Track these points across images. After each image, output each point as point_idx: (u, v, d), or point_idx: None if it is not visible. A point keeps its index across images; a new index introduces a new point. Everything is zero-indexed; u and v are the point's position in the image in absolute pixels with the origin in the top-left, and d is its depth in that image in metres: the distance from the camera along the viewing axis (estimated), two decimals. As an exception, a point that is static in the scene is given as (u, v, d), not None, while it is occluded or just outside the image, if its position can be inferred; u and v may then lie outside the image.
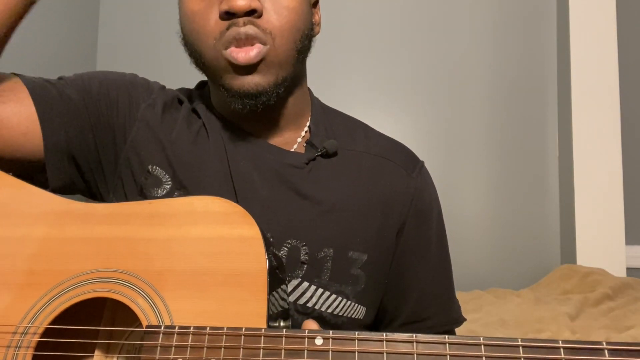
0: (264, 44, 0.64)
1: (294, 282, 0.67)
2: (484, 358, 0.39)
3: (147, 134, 0.71)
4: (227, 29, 0.64)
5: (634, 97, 1.42)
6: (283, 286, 0.60)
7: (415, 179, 0.77)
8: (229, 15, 0.63)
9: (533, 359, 0.37)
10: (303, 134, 0.76)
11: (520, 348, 0.37)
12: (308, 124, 0.77)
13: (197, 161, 0.70)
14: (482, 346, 0.39)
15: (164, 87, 0.78)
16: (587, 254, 1.32)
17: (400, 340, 0.43)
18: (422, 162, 0.81)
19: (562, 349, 0.36)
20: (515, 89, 1.50)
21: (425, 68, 1.53)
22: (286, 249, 0.67)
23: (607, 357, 0.35)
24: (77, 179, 0.71)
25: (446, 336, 0.42)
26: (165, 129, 0.71)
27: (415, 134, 1.51)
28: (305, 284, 0.68)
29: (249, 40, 0.64)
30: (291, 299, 0.67)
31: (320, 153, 0.73)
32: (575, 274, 1.28)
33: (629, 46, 1.42)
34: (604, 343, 0.35)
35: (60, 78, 0.73)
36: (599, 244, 1.32)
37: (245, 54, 0.63)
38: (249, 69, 0.65)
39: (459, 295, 0.89)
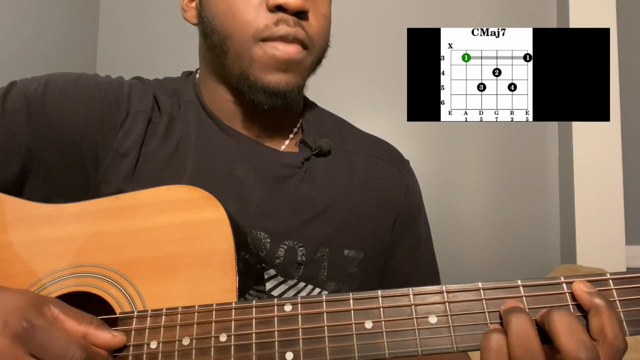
0: (305, 48, 0.65)
1: (290, 282, 0.67)
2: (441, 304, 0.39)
3: (120, 163, 0.66)
4: (275, 24, 0.62)
5: (634, 98, 1.41)
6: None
7: (405, 177, 0.78)
8: (279, 10, 0.62)
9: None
10: (293, 133, 0.76)
11: (482, 291, 0.38)
12: (299, 123, 0.77)
13: (174, 173, 0.66)
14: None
15: (139, 83, 0.72)
16: (587, 254, 1.31)
17: (366, 297, 0.44)
18: (408, 161, 0.81)
19: (521, 287, 0.36)
20: (516, 90, 1.50)
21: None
22: (283, 249, 0.66)
23: (566, 290, 0.35)
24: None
25: (410, 289, 0.42)
26: (143, 147, 0.67)
27: (414, 134, 1.51)
28: (302, 284, 0.67)
29: (295, 42, 0.63)
30: None
31: (315, 152, 0.72)
32: (575, 274, 1.26)
33: (629, 46, 1.42)
34: (562, 278, 0.35)
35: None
36: (599, 244, 1.31)
37: (288, 50, 0.63)
38: (285, 66, 0.64)
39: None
